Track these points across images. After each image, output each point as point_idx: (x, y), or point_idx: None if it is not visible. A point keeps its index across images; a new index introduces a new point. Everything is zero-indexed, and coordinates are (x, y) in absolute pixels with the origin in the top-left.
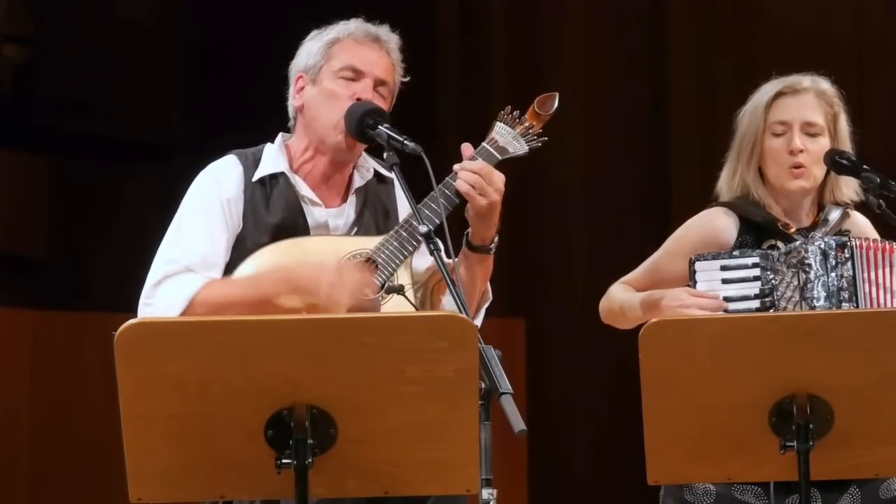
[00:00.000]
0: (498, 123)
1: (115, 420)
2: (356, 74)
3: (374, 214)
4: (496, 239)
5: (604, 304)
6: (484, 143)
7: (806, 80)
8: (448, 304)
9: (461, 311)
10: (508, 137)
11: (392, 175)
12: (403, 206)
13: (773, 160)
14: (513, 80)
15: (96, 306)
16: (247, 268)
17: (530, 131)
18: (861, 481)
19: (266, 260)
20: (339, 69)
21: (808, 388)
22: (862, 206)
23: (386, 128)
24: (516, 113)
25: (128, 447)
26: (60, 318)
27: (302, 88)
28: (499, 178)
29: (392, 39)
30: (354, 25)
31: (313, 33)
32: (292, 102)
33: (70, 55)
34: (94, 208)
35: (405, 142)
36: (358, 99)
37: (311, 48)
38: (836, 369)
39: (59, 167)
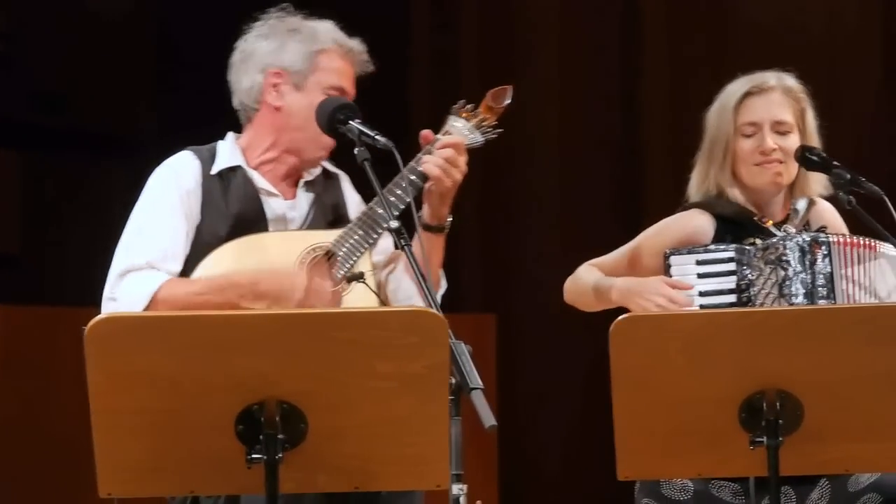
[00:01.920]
0: (452, 117)
1: (86, 415)
2: (341, 93)
3: (322, 209)
4: (450, 217)
5: (569, 283)
6: (438, 136)
7: (772, 78)
8: (403, 293)
9: (430, 307)
10: (463, 130)
11: (339, 172)
12: (351, 202)
13: (745, 161)
14: (485, 76)
15: (68, 301)
16: (205, 267)
17: (484, 124)
18: (831, 476)
19: (224, 260)
20: (329, 87)
21: (778, 383)
22: (832, 201)
23: (357, 123)
24: (470, 106)
25: (98, 442)
26: (32, 312)
27: (278, 86)
28: (463, 159)
29: (363, 52)
30: (338, 34)
31: (291, 26)
32: (266, 99)
33: (42, 50)
34: (67, 203)
35: (376, 137)
36: None
37: (294, 49)
38: (806, 365)
39: (30, 162)
